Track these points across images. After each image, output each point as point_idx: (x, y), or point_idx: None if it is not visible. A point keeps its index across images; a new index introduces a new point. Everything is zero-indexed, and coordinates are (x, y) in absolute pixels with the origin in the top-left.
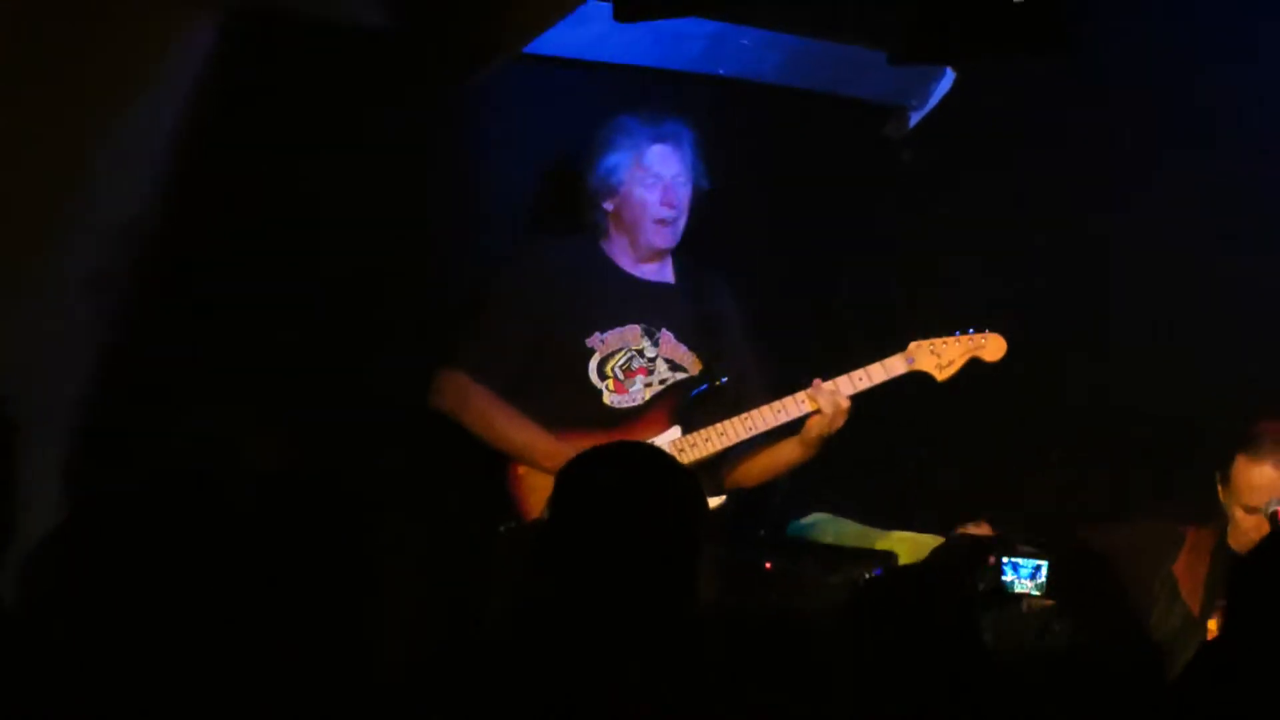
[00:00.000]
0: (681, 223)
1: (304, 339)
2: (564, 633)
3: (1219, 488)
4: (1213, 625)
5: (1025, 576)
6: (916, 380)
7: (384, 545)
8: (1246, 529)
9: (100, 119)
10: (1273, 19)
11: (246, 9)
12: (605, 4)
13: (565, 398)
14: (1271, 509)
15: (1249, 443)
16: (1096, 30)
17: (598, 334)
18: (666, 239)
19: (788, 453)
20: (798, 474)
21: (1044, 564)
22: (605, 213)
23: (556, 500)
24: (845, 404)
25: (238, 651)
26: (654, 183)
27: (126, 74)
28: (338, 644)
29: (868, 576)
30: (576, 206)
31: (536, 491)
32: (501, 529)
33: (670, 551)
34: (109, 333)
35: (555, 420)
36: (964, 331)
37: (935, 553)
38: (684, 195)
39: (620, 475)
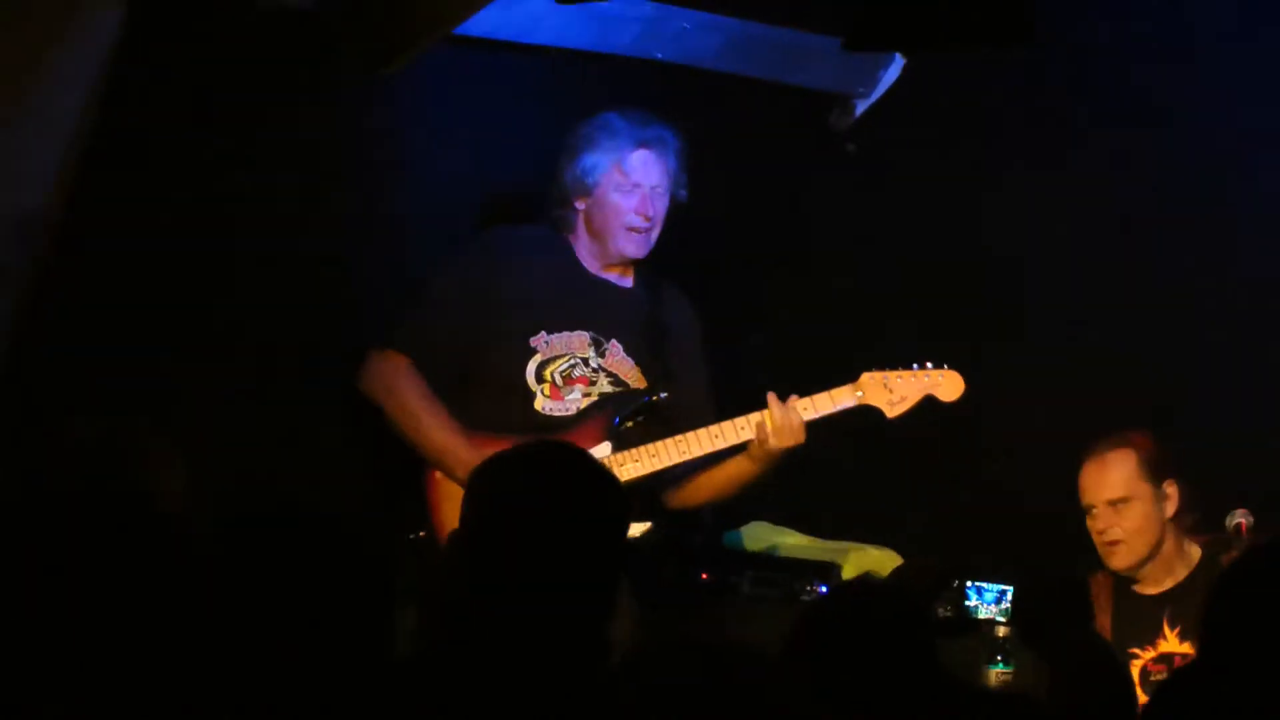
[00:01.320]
0: (655, 234)
1: (212, 338)
2: (479, 648)
3: None
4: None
5: (989, 601)
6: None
7: (293, 555)
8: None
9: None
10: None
11: None
12: None
13: (496, 397)
14: (1235, 521)
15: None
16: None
17: (544, 334)
18: (638, 248)
19: (735, 470)
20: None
21: (1009, 590)
22: (576, 210)
23: (470, 503)
24: (800, 428)
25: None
26: (632, 190)
27: (28, 58)
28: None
29: (809, 589)
30: (548, 200)
31: (451, 500)
32: (410, 537)
33: (591, 561)
34: (9, 317)
35: (482, 421)
36: (920, 366)
37: (895, 573)
38: (662, 206)
39: (539, 477)
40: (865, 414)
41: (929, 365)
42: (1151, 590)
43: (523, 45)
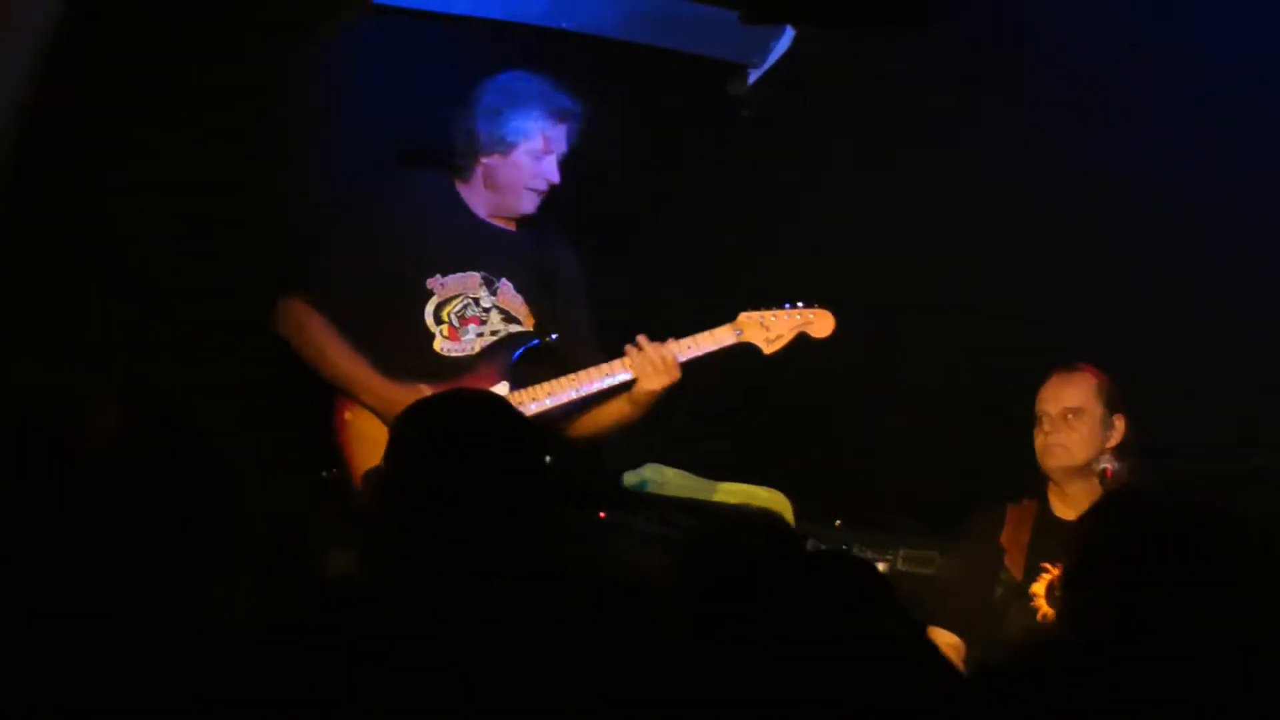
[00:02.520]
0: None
1: (140, 291)
2: (412, 588)
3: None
4: (1036, 589)
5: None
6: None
7: (227, 495)
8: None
9: None
10: None
11: None
12: None
13: (398, 338)
14: (1101, 467)
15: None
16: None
17: (439, 276)
18: (534, 207)
19: (616, 410)
20: (632, 427)
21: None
22: (480, 163)
23: (395, 451)
24: (673, 365)
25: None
26: (550, 157)
27: None
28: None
29: (701, 528)
30: (452, 147)
31: (363, 440)
32: (323, 474)
33: (515, 501)
34: None
35: (386, 362)
36: (794, 305)
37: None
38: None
39: (461, 424)
40: (754, 360)
41: (800, 305)
42: (1068, 514)
43: (441, 15)
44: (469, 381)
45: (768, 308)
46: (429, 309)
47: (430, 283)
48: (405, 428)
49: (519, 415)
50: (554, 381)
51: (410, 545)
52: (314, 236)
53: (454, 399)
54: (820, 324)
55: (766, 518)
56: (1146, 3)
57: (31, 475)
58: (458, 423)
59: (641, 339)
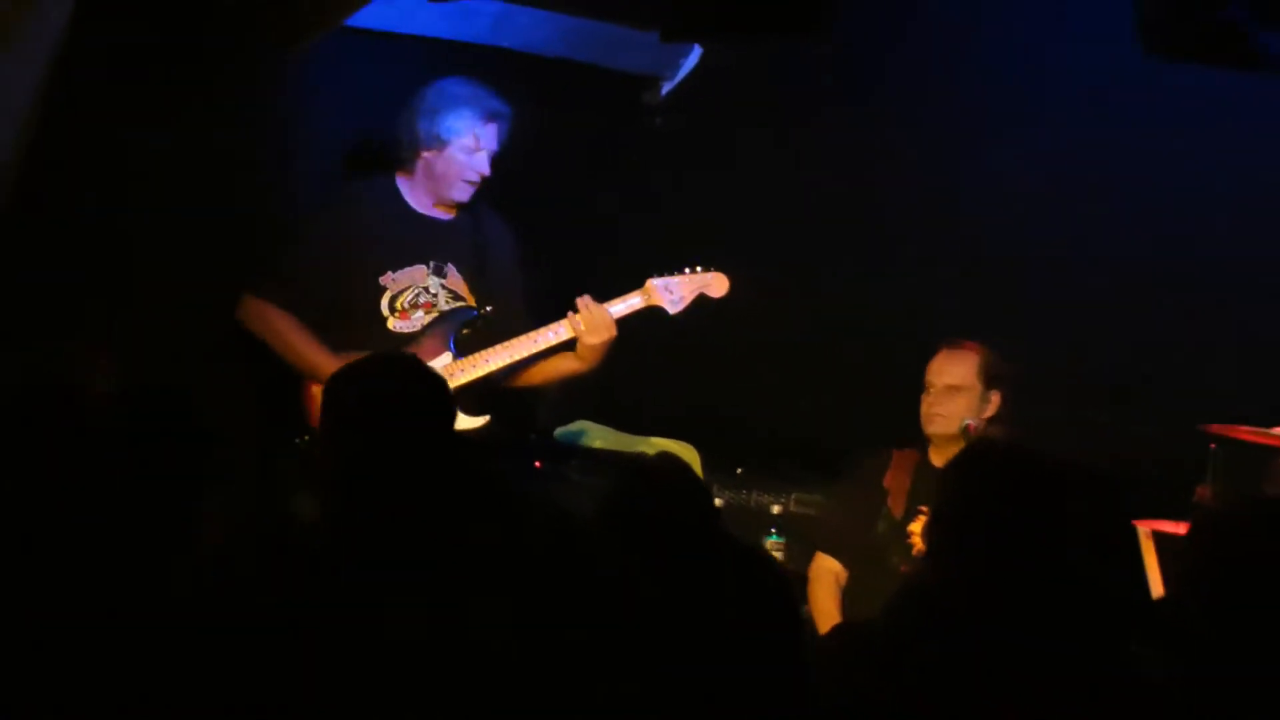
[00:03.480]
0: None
1: (142, 270)
2: (351, 520)
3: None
4: (913, 528)
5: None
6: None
7: (204, 457)
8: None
9: None
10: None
11: None
12: None
13: (356, 325)
14: (966, 423)
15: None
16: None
17: (390, 273)
18: (467, 195)
19: (566, 366)
20: (564, 387)
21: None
22: (421, 157)
23: (322, 410)
24: (612, 323)
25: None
26: (481, 153)
27: None
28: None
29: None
30: (394, 144)
31: None
32: (295, 440)
33: (422, 446)
34: None
35: (344, 344)
36: (693, 269)
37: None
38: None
39: (372, 382)
40: (665, 325)
41: (698, 269)
42: (941, 465)
43: (397, 35)
44: (417, 353)
45: (670, 273)
46: (384, 301)
47: (383, 279)
48: (329, 386)
49: (427, 371)
50: (490, 349)
51: (333, 492)
52: (275, 240)
53: (371, 360)
54: (716, 285)
55: (677, 463)
56: (1011, 31)
57: (42, 427)
58: (372, 382)
59: (582, 300)
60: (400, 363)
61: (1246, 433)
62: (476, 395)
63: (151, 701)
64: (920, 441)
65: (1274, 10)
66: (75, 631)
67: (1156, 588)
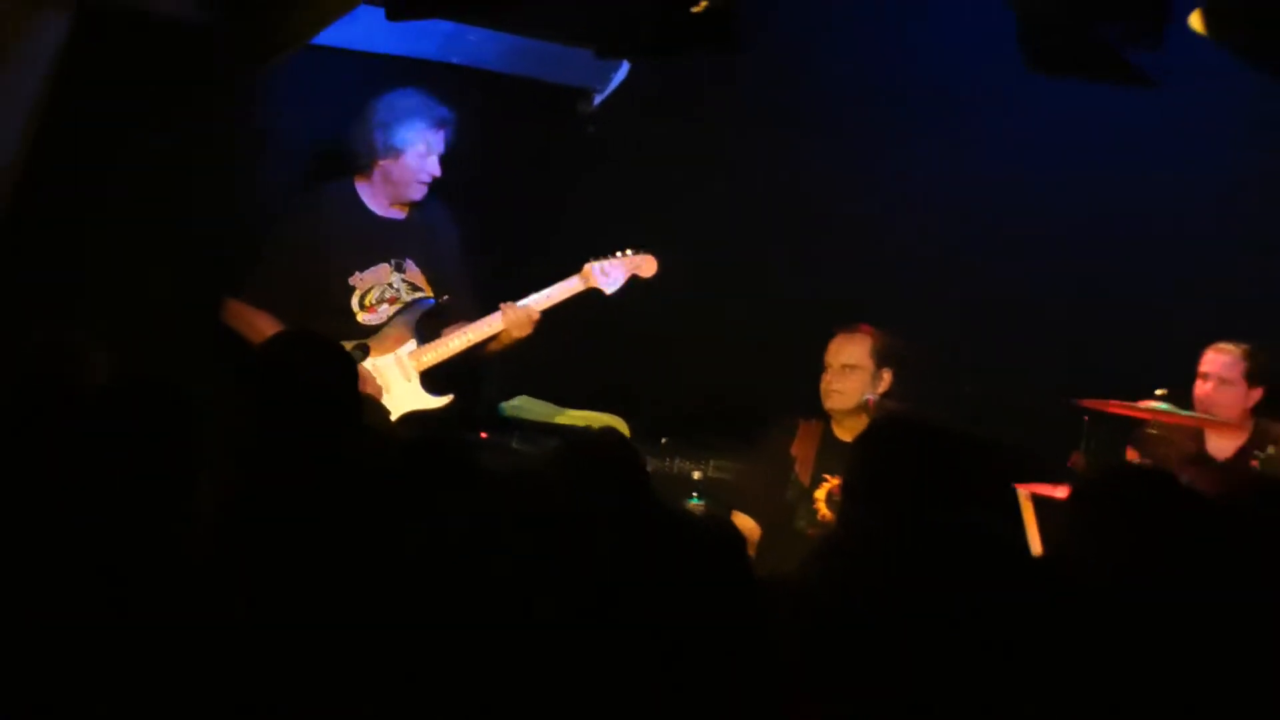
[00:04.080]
0: None
1: (129, 272)
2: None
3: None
4: (818, 494)
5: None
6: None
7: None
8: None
9: None
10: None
11: (87, 5)
12: (368, 5)
13: (329, 321)
14: (866, 397)
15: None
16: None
17: (357, 273)
18: (421, 194)
19: (496, 346)
20: (506, 364)
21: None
22: (378, 164)
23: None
24: (535, 317)
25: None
26: (432, 156)
27: None
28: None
29: (555, 445)
30: (353, 151)
31: None
32: None
33: (322, 410)
34: None
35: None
36: (624, 252)
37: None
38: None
39: (275, 355)
40: (600, 306)
41: (630, 252)
42: (845, 437)
43: (357, 52)
44: (386, 343)
45: (605, 257)
46: (354, 300)
47: (352, 280)
48: (253, 359)
49: (327, 345)
50: (447, 336)
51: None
52: (252, 245)
53: (277, 338)
54: (646, 265)
55: (614, 434)
56: (910, 49)
57: (42, 405)
58: (278, 354)
59: (504, 305)
60: (301, 337)
61: (1115, 406)
62: (442, 376)
63: (145, 674)
64: (825, 414)
65: (1139, 31)
66: (77, 607)
67: (1035, 545)
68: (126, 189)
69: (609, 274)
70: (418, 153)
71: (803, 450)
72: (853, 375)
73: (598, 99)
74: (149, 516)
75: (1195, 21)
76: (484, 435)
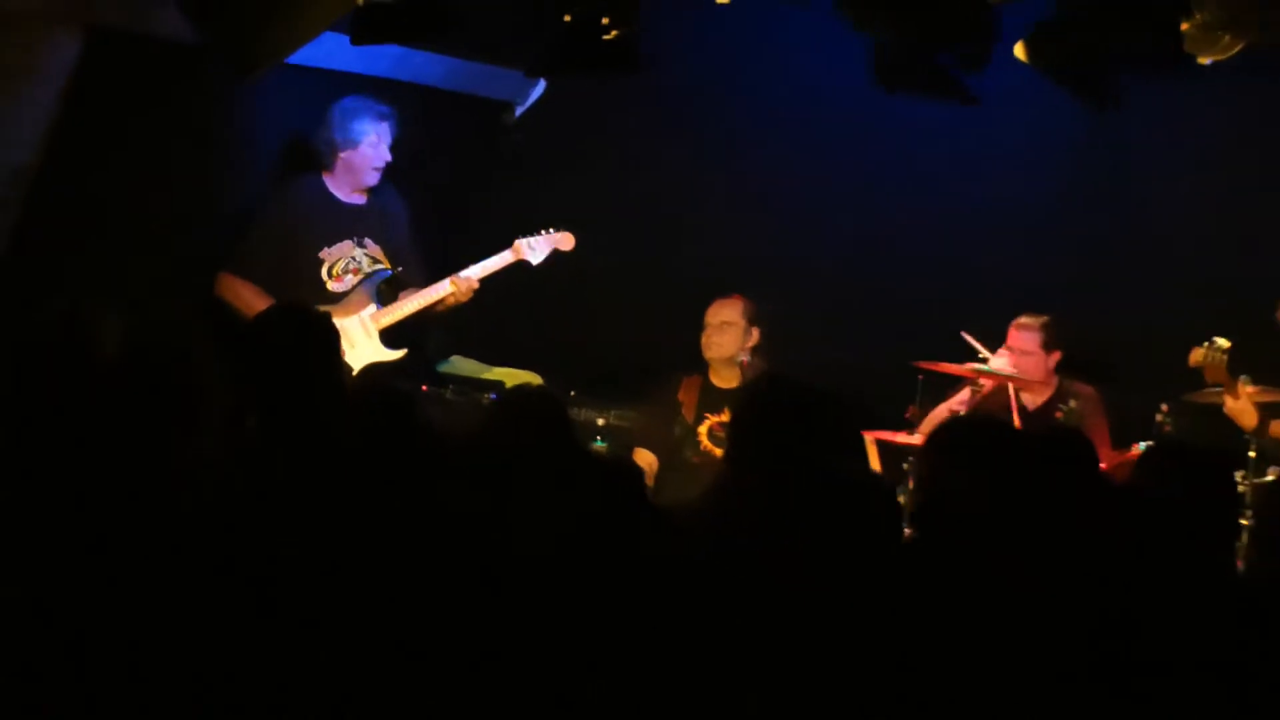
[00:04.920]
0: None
1: (135, 252)
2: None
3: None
4: (701, 430)
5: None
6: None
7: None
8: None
9: None
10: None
11: (97, 27)
12: (332, 32)
13: (303, 289)
14: (740, 359)
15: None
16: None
17: (326, 248)
18: (377, 179)
19: (441, 308)
20: (447, 330)
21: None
22: (339, 157)
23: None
24: (474, 285)
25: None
26: (382, 145)
27: (18, 70)
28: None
29: (485, 396)
30: (317, 148)
31: None
32: None
33: (299, 371)
34: (3, 238)
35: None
36: (548, 230)
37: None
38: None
39: (261, 323)
40: (525, 278)
41: (551, 230)
42: (721, 384)
43: (322, 69)
44: (350, 306)
45: (532, 234)
46: (324, 270)
47: (322, 254)
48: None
49: (308, 315)
50: (400, 301)
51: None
52: (238, 227)
53: (270, 309)
54: (565, 241)
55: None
56: (775, 69)
57: (61, 366)
58: (265, 321)
59: (453, 278)
60: (283, 310)
61: (945, 367)
62: (396, 333)
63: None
64: (703, 367)
65: (974, 59)
66: (88, 535)
67: None
68: (130, 183)
69: (535, 248)
70: (370, 142)
71: (687, 396)
72: (728, 331)
73: (519, 110)
74: (155, 461)
75: (1019, 51)
76: (425, 388)
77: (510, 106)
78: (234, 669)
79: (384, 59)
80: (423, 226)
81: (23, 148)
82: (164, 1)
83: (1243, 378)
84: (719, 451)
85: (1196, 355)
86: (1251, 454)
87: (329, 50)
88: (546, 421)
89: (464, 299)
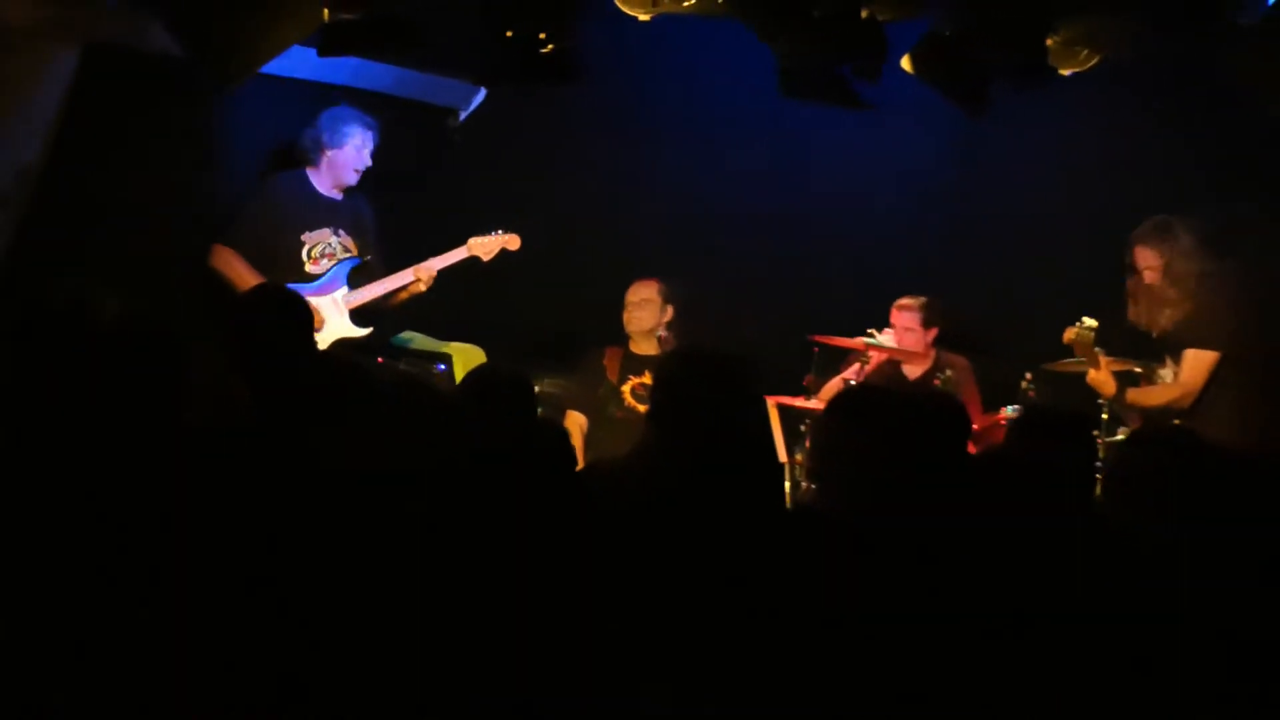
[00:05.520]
0: None
1: (130, 242)
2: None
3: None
4: (624, 389)
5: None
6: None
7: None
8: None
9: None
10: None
11: (94, 43)
12: (300, 46)
13: (285, 268)
14: (659, 334)
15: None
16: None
17: (307, 232)
18: (355, 179)
19: (405, 294)
20: (400, 308)
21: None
22: (324, 155)
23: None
24: (434, 275)
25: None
26: (365, 150)
27: (19, 78)
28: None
29: (433, 368)
30: (304, 146)
31: None
32: None
33: (263, 348)
34: (11, 229)
35: (279, 280)
36: (497, 232)
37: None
38: None
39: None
40: (476, 269)
41: (501, 231)
42: (639, 352)
43: (291, 79)
44: (325, 288)
45: (485, 234)
46: (304, 253)
47: (303, 238)
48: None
49: (284, 296)
50: (369, 285)
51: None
52: (231, 210)
53: (252, 289)
54: (512, 242)
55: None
56: (691, 79)
57: (71, 343)
58: (240, 303)
59: (415, 268)
60: (260, 290)
61: (837, 340)
62: (363, 313)
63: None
64: (624, 340)
65: (867, 70)
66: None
67: (780, 445)
68: (124, 180)
69: (486, 246)
70: (355, 145)
71: (611, 362)
72: (645, 307)
73: (462, 115)
74: (150, 424)
75: (906, 63)
76: (380, 360)
77: (454, 112)
78: (221, 636)
79: (345, 69)
80: (388, 224)
81: (27, 149)
82: (153, 20)
83: (1097, 349)
84: (641, 408)
85: (1069, 334)
86: (1104, 416)
87: (296, 61)
88: (508, 393)
89: (424, 287)
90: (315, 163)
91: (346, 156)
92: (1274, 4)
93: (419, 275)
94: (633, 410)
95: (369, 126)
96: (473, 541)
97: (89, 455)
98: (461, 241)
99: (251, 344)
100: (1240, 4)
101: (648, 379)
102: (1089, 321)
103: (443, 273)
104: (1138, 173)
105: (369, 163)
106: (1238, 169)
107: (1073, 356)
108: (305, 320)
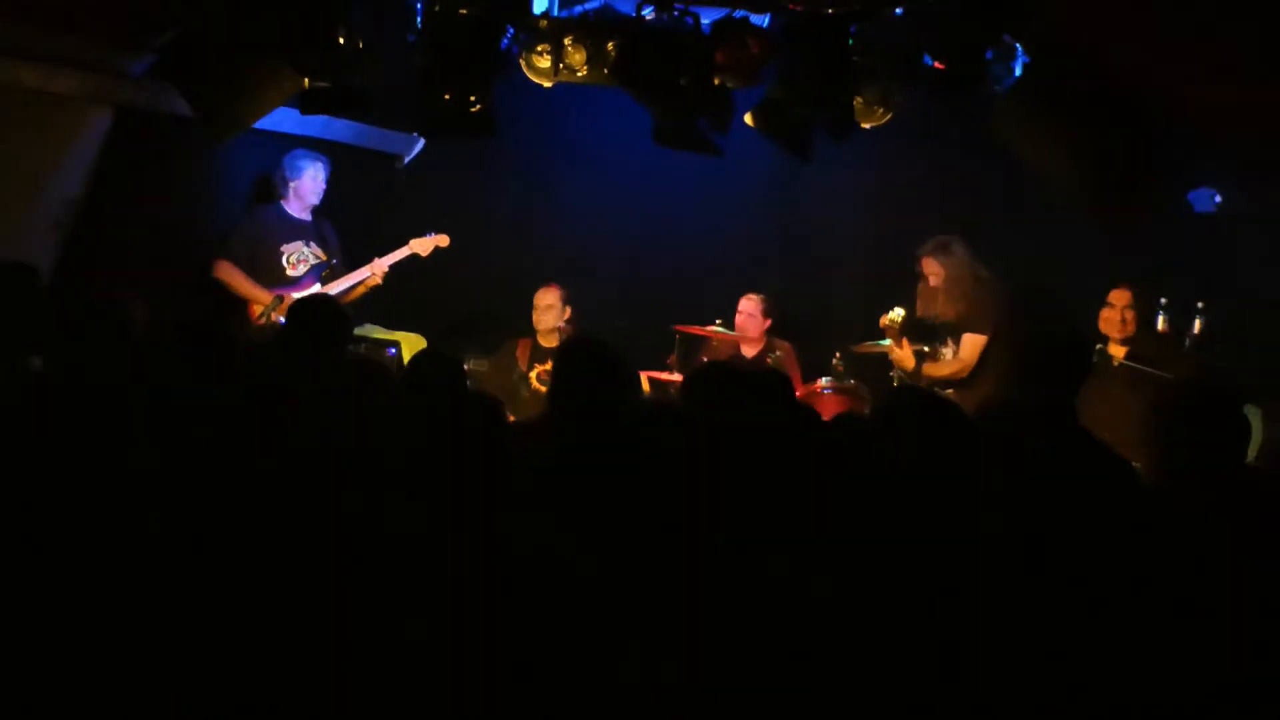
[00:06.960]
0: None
1: (152, 258)
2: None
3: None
4: (531, 375)
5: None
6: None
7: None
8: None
9: (48, 165)
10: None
11: (123, 105)
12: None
13: (270, 273)
14: (558, 328)
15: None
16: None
17: (285, 245)
18: (317, 201)
19: (363, 289)
20: (361, 306)
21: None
22: (290, 187)
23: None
24: (385, 269)
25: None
26: (320, 178)
27: (61, 139)
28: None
29: (384, 352)
30: (276, 182)
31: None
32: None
33: (324, 335)
34: (60, 249)
35: (265, 283)
36: (432, 234)
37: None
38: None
39: (304, 304)
40: (416, 264)
41: (434, 233)
42: (544, 344)
43: (272, 131)
44: (302, 285)
45: (423, 236)
46: (284, 261)
47: (283, 249)
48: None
49: (334, 307)
50: (335, 281)
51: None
52: (227, 234)
53: (310, 296)
54: (443, 240)
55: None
56: (584, 120)
57: (107, 333)
58: (304, 304)
59: (371, 264)
60: (321, 299)
61: (693, 329)
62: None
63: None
64: (532, 332)
65: (719, 124)
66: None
67: None
68: (147, 209)
69: (423, 246)
70: (310, 175)
71: (522, 352)
72: (549, 310)
73: (406, 160)
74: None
75: (748, 119)
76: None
77: (400, 157)
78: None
79: (315, 124)
80: (345, 236)
81: (73, 185)
82: (169, 88)
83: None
84: (544, 389)
85: (884, 320)
86: (895, 384)
87: (278, 118)
88: (448, 371)
89: (379, 280)
90: (285, 195)
91: (305, 185)
92: (1018, 78)
93: (374, 270)
94: (538, 393)
95: (319, 159)
96: (423, 483)
97: (153, 438)
98: (404, 242)
99: (304, 335)
100: (994, 76)
101: (550, 366)
102: (898, 310)
103: (393, 269)
104: (923, 200)
105: (324, 187)
106: (994, 197)
107: (873, 341)
108: (346, 322)
